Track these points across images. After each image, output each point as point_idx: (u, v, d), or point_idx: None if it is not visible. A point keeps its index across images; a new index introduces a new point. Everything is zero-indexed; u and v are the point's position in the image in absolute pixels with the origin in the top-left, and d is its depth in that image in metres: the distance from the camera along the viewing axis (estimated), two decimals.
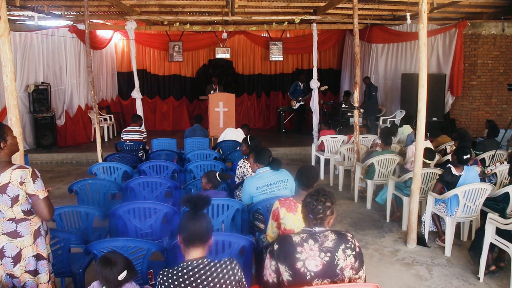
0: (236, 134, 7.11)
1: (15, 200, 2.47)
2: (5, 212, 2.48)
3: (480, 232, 3.98)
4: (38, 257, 2.62)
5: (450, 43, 9.64)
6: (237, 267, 2.20)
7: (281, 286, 2.23)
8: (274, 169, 3.87)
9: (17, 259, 2.52)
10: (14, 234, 2.52)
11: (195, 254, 2.18)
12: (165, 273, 2.14)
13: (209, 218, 2.30)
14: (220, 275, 2.13)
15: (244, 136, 7.08)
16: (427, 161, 5.22)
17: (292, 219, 2.95)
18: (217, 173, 4.05)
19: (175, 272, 2.13)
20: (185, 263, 2.16)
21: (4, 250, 2.50)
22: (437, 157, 5.74)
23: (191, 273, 2.12)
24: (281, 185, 3.86)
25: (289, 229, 2.96)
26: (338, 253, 2.20)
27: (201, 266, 2.14)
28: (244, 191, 3.95)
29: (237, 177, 4.67)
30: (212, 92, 10.26)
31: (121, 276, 2.29)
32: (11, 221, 2.51)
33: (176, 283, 2.10)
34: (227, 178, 4.32)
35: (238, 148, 6.72)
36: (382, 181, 5.89)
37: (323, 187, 2.42)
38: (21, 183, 2.47)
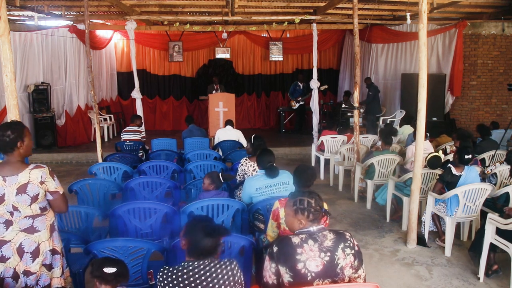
0: (235, 134, 7.11)
1: (34, 198, 2.53)
2: (22, 210, 2.52)
3: (480, 232, 3.98)
4: (53, 251, 2.67)
5: (450, 43, 9.63)
6: (236, 268, 2.24)
7: (281, 287, 2.22)
8: (268, 176, 3.84)
9: (35, 254, 2.57)
10: (31, 230, 2.56)
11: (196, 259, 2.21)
12: (165, 271, 2.17)
13: (220, 241, 2.28)
14: (220, 276, 2.16)
15: (242, 135, 7.11)
16: (431, 170, 5.10)
17: None
18: (219, 173, 4.06)
19: (175, 271, 2.16)
20: (185, 263, 2.18)
21: (22, 246, 2.54)
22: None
23: (191, 273, 2.14)
24: (281, 187, 3.85)
25: (289, 230, 2.95)
26: (337, 252, 2.20)
27: (202, 266, 2.17)
28: (244, 191, 3.95)
29: (238, 174, 4.68)
30: (213, 91, 10.25)
31: (108, 270, 2.26)
32: (27, 218, 2.55)
33: (175, 282, 2.13)
34: (229, 179, 4.32)
35: (238, 148, 6.73)
36: (382, 181, 5.89)
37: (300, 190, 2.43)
38: (42, 182, 2.54)
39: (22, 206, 2.51)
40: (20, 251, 2.53)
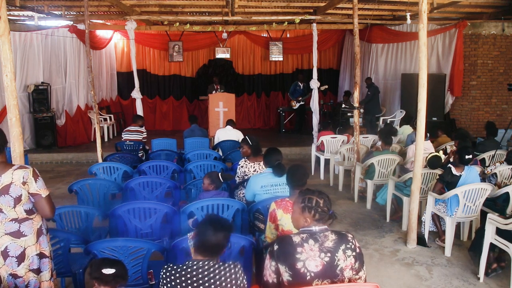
0: (235, 134, 7.11)
1: (17, 200, 2.49)
2: (7, 213, 2.49)
3: (480, 232, 3.98)
4: (41, 255, 2.63)
5: (450, 43, 9.63)
6: (240, 271, 2.25)
7: (281, 286, 2.22)
8: (275, 174, 3.86)
9: (21, 258, 2.53)
10: (18, 234, 2.52)
11: (202, 258, 2.22)
12: (169, 269, 2.18)
13: (228, 235, 2.30)
14: (223, 278, 2.17)
15: (242, 135, 7.09)
16: (432, 170, 5.11)
17: (289, 220, 2.94)
18: (219, 173, 4.06)
19: (179, 269, 2.17)
20: (190, 262, 2.20)
21: (8, 250, 2.51)
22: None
23: (195, 273, 2.16)
24: (286, 188, 3.84)
25: (287, 230, 2.95)
26: (338, 253, 2.20)
27: (206, 267, 2.18)
28: (248, 188, 3.96)
29: (237, 176, 4.66)
30: (214, 92, 10.24)
31: (107, 271, 2.26)
32: (13, 221, 2.52)
33: (178, 280, 2.14)
34: (229, 179, 4.32)
35: (238, 148, 6.72)
36: (382, 181, 5.89)
37: (307, 188, 2.43)
38: (24, 183, 2.49)
39: (6, 208, 2.48)
40: (5, 255, 2.50)
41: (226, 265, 2.22)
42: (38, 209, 2.59)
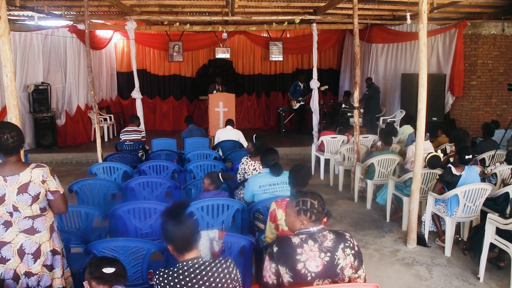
0: (235, 134, 7.11)
1: (35, 198, 2.52)
2: (23, 211, 2.51)
3: (480, 232, 3.98)
4: (54, 252, 2.66)
5: (450, 43, 9.64)
6: (232, 265, 2.24)
7: (281, 287, 2.22)
8: (272, 173, 3.87)
9: (37, 255, 2.56)
10: (32, 231, 2.55)
11: (189, 256, 2.20)
12: (162, 273, 2.16)
13: (191, 217, 2.26)
14: (216, 274, 2.17)
15: (242, 135, 7.11)
16: (431, 170, 5.11)
17: None
18: (219, 173, 4.07)
19: (171, 272, 2.16)
20: (180, 264, 2.19)
21: (23, 248, 2.53)
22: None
23: (186, 273, 2.15)
24: (284, 186, 3.86)
25: (287, 230, 2.95)
26: (337, 252, 2.20)
27: (196, 265, 2.17)
28: (246, 189, 3.98)
29: (238, 173, 4.70)
30: (215, 91, 10.22)
31: (107, 270, 2.26)
32: (27, 218, 2.54)
33: (172, 283, 2.13)
34: (230, 179, 4.33)
35: (238, 148, 6.73)
36: (382, 181, 5.89)
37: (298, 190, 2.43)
38: (43, 182, 2.54)
39: (22, 206, 2.50)
40: (21, 253, 2.52)
41: (217, 261, 2.22)
42: (54, 206, 2.65)
